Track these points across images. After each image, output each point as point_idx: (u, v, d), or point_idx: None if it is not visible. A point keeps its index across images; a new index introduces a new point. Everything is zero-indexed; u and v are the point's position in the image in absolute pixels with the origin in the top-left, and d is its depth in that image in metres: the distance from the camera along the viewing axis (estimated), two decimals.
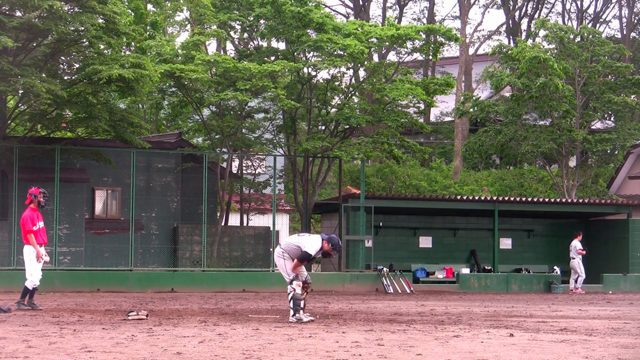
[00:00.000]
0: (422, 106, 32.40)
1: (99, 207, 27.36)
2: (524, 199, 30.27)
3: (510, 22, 53.26)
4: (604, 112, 35.17)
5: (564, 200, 30.35)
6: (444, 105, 44.90)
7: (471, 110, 34.39)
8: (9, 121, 25.46)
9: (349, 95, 30.41)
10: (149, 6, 36.23)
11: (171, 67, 25.85)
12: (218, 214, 28.91)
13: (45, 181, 24.28)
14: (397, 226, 29.54)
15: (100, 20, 24.07)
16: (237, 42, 32.06)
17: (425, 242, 29.80)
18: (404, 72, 29.98)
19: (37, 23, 22.75)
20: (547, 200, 30.24)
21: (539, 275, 28.68)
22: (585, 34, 33.99)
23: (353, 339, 11.03)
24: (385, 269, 26.73)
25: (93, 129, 25.87)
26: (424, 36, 29.60)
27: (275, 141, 30.41)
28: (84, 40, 24.26)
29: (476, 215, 29.85)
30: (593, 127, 36.48)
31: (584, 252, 27.77)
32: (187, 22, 37.82)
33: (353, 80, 31.70)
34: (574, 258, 27.54)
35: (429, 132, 39.13)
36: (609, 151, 36.77)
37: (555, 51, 32.98)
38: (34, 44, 24.19)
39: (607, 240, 28.68)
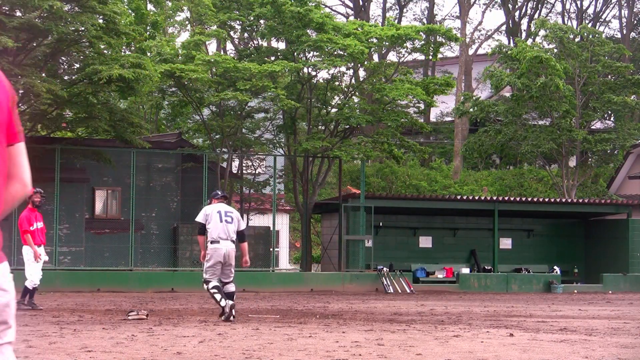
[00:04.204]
0: (422, 106, 32.39)
1: (99, 207, 27.35)
2: (524, 199, 30.27)
3: (510, 22, 53.23)
4: (604, 112, 35.16)
5: (564, 200, 30.34)
6: (444, 105, 44.83)
7: (471, 110, 34.38)
8: None
9: (349, 95, 30.41)
10: (150, 6, 36.22)
11: (171, 67, 25.85)
12: None
13: (45, 181, 24.23)
14: (397, 226, 29.52)
15: (100, 20, 24.08)
16: (237, 42, 32.06)
17: (425, 242, 29.77)
18: (404, 72, 29.97)
19: (37, 23, 22.75)
20: (547, 200, 30.23)
21: (538, 275, 28.67)
22: (585, 34, 33.99)
23: (353, 339, 11.02)
24: (385, 268, 26.72)
25: (93, 129, 25.87)
26: (424, 36, 29.60)
27: (275, 141, 30.40)
28: (84, 40, 24.27)
29: (476, 215, 29.83)
30: (593, 127, 36.47)
31: None
32: (187, 22, 37.81)
33: (353, 80, 31.69)
34: None
35: (429, 132, 39.13)
36: (608, 151, 36.75)
37: (555, 51, 32.98)
38: (34, 44, 24.19)
39: (607, 240, 28.66)
